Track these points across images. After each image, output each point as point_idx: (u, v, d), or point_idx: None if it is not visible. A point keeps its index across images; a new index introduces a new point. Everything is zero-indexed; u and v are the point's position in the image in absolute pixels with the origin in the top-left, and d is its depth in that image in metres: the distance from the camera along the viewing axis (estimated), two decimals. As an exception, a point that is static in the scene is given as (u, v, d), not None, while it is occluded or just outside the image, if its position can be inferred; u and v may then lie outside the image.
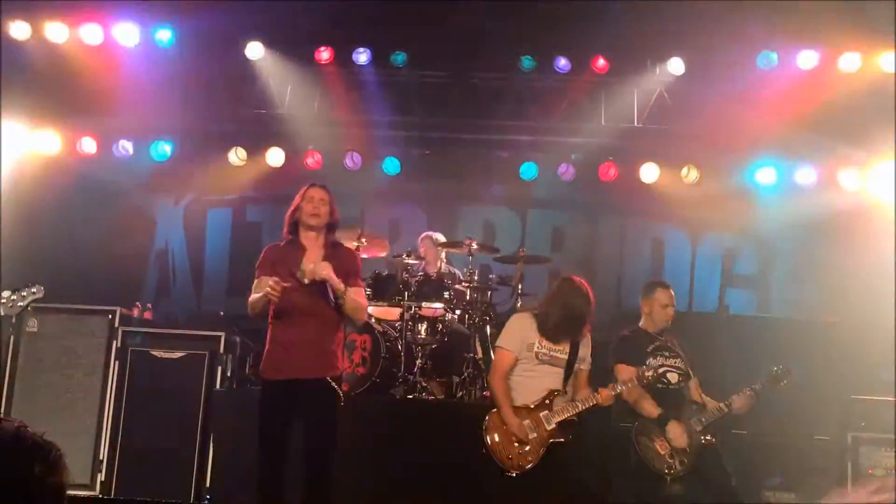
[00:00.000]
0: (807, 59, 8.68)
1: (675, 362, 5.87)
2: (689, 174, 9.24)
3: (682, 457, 5.56)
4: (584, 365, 5.64)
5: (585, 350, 5.64)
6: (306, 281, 5.05)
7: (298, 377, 5.06)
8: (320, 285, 5.06)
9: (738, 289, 9.68)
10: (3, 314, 4.95)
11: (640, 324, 6.05)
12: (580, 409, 5.45)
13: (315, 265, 5.05)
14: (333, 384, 5.11)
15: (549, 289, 5.86)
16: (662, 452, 5.57)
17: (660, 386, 5.72)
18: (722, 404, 5.70)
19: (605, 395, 5.45)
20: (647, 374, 5.50)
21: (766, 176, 9.19)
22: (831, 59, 8.65)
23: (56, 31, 8.99)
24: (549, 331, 5.52)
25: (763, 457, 6.48)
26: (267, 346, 5.22)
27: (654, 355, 5.81)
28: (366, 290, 6.18)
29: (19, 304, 4.97)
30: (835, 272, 8.86)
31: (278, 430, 5.08)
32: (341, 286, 5.03)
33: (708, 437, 5.65)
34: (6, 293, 4.93)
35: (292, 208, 5.24)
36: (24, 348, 7.06)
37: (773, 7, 8.15)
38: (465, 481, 5.99)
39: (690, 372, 5.89)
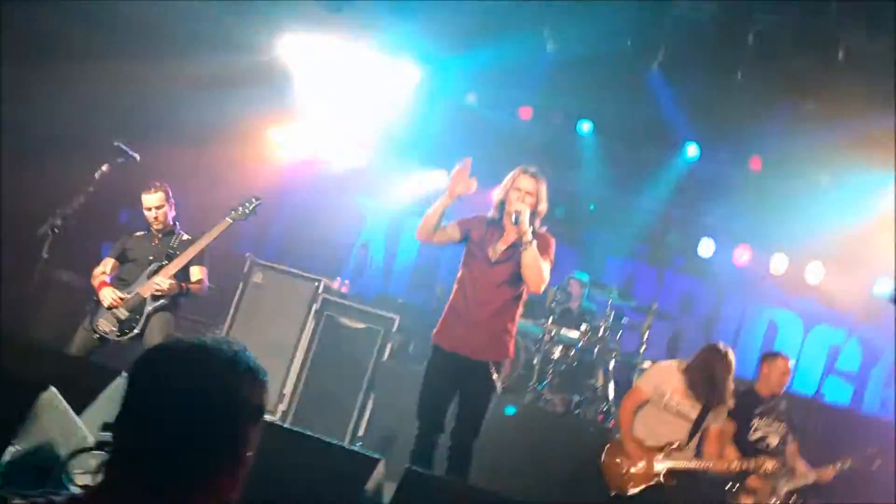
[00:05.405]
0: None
1: (778, 427, 5.47)
2: (816, 272, 8.57)
3: None
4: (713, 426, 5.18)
5: (718, 417, 5.15)
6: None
7: (466, 354, 4.39)
8: (509, 269, 4.36)
9: (837, 377, 8.96)
10: (234, 218, 5.38)
11: (755, 386, 5.62)
12: (695, 466, 5.02)
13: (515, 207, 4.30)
14: (493, 370, 4.40)
15: (698, 351, 5.30)
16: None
17: (758, 447, 5.35)
18: (811, 473, 5.29)
19: (723, 465, 5.05)
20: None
21: (881, 287, 8.39)
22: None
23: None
24: (687, 386, 5.08)
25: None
26: (444, 314, 4.54)
27: (761, 416, 5.43)
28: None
29: (247, 211, 5.43)
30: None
31: (438, 398, 4.49)
32: (528, 236, 4.26)
33: (794, 500, 5.26)
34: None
35: (503, 192, 4.45)
36: (249, 294, 7.34)
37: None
38: (570, 486, 5.78)
39: (790, 438, 5.49)
